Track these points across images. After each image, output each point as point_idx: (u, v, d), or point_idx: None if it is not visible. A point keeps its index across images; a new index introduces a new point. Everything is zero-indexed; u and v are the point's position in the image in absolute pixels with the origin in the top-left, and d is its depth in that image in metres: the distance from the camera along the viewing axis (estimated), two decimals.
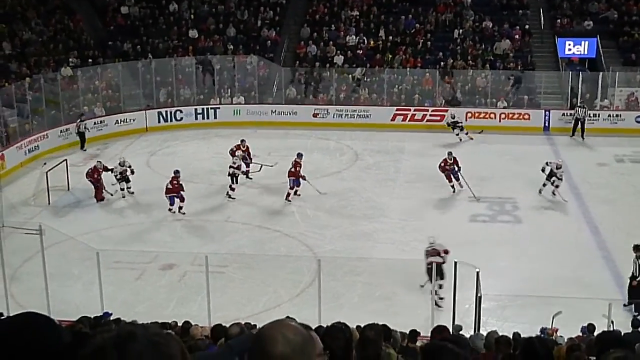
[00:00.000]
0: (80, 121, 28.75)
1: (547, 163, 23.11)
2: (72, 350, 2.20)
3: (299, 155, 23.32)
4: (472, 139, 29.21)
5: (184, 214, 21.70)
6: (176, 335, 2.28)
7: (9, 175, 25.43)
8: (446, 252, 16.06)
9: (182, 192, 21.74)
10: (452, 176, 23.27)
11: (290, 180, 22.90)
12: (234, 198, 22.84)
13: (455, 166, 23.26)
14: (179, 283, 17.67)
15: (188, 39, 35.29)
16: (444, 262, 15.77)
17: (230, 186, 23.08)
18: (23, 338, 2.28)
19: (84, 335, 3.58)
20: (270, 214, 21.92)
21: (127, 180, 23.56)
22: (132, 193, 23.69)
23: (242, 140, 24.96)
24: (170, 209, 21.75)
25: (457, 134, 29.24)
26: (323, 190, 23.21)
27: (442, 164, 23.26)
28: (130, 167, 23.76)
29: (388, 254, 18.08)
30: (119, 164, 23.70)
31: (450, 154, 23.51)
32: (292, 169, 22.98)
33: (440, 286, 15.66)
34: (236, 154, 24.12)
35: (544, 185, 22.91)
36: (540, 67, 33.24)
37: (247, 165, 24.67)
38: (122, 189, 23.61)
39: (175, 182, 21.69)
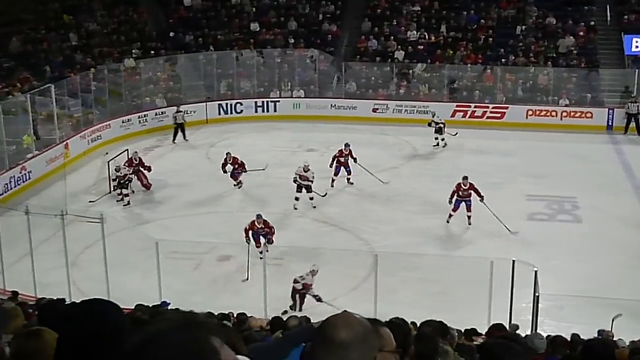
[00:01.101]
0: (177, 112, 29.09)
1: None
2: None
3: (345, 145, 23.61)
4: (445, 143, 27.82)
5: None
6: (227, 326, 2.29)
7: (73, 163, 25.89)
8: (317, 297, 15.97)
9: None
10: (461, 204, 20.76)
11: (335, 167, 23.40)
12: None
13: (470, 191, 20.67)
14: (235, 274, 17.81)
15: (249, 31, 35.48)
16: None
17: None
18: (93, 322, 2.32)
19: (143, 322, 3.63)
20: (327, 208, 21.94)
21: (126, 187, 22.48)
22: (128, 204, 22.37)
23: (228, 153, 24.05)
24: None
25: (436, 139, 27.62)
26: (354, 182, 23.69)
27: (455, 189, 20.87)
28: (129, 172, 22.62)
29: (444, 250, 17.96)
30: (115, 169, 22.58)
31: (465, 178, 20.81)
32: (339, 157, 23.44)
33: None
34: (225, 169, 23.62)
35: None
36: (605, 64, 32.61)
37: (239, 175, 23.86)
38: (121, 195, 22.53)
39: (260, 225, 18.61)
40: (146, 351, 1.84)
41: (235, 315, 11.82)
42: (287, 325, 6.33)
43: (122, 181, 22.41)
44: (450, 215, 20.67)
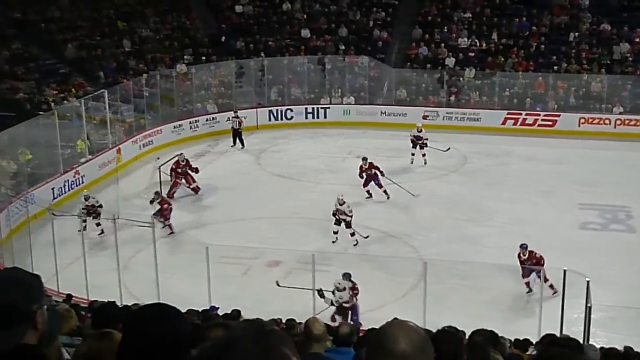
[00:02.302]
0: (236, 118, 29.21)
1: None
2: (193, 341, 2.28)
3: (363, 159, 23.17)
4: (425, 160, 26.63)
5: None
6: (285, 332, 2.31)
7: (125, 168, 26.21)
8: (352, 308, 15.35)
9: None
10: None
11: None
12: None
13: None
14: (284, 280, 17.84)
15: (300, 38, 35.62)
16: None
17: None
18: (159, 326, 2.36)
19: (197, 326, 3.68)
20: (375, 214, 21.89)
21: (96, 216, 20.36)
22: (102, 233, 20.10)
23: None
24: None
25: (413, 155, 26.52)
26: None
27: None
28: (96, 203, 20.73)
29: (494, 258, 17.80)
30: (84, 198, 20.89)
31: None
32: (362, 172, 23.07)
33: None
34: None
35: None
36: None
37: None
38: (85, 222, 19.77)
39: None
40: (221, 358, 1.88)
41: (284, 321, 11.83)
42: (338, 333, 6.32)
43: (90, 210, 20.43)
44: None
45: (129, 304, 11.78)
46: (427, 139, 26.57)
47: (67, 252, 17.55)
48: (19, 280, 2.56)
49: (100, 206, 20.64)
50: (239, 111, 29.77)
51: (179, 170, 23.68)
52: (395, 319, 2.43)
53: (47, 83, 29.19)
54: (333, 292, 15.24)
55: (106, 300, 10.18)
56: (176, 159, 24.15)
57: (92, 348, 3.29)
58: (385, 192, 22.95)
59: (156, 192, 21.25)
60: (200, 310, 12.01)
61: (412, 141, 26.65)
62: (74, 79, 30.33)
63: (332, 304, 15.29)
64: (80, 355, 3.31)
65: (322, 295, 15.19)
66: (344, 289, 15.29)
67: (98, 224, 20.24)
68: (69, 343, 4.50)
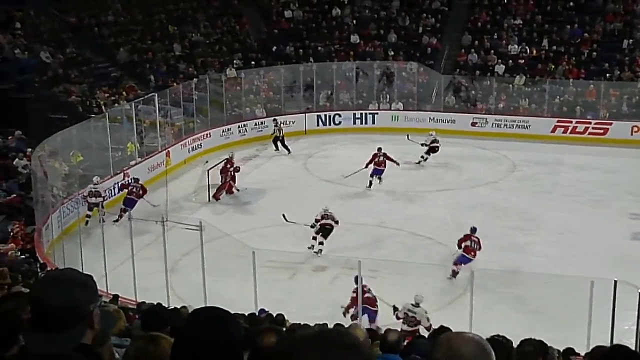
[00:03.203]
0: (275, 126, 29.34)
1: None
2: (245, 345, 2.30)
3: (378, 149, 24.79)
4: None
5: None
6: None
7: (174, 171, 26.44)
8: (429, 329, 14.28)
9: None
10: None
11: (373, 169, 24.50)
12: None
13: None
14: (330, 285, 17.86)
15: (349, 43, 35.67)
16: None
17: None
18: (214, 331, 2.39)
19: (247, 330, 3.70)
20: (422, 221, 21.81)
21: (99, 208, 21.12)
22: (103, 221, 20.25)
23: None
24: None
25: (423, 157, 27.06)
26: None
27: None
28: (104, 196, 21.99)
29: (542, 267, 17.61)
30: (94, 182, 21.96)
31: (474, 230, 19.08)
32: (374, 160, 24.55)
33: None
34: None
35: None
36: None
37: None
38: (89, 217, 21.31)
39: None
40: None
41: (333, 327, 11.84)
42: (385, 339, 6.31)
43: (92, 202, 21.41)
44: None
45: (177, 307, 11.87)
46: (438, 144, 27.13)
47: (115, 254, 17.76)
48: (76, 280, 2.61)
49: (104, 199, 21.89)
50: (277, 118, 29.91)
51: (230, 171, 24.03)
52: (461, 333, 2.43)
53: (100, 86, 29.63)
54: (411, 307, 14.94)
55: (154, 302, 10.28)
56: (227, 158, 24.52)
57: (140, 350, 3.32)
58: (376, 180, 24.48)
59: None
60: (247, 314, 12.06)
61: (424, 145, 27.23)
62: (125, 82, 30.74)
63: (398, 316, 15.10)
64: (129, 357, 3.35)
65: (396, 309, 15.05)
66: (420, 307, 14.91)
67: (103, 213, 20.63)
68: (118, 343, 4.55)
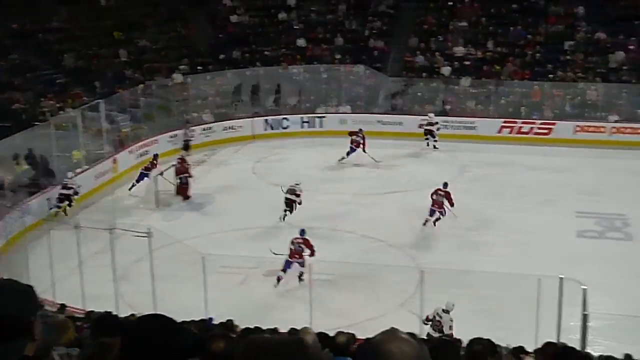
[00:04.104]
0: (188, 128, 29.25)
1: None
2: (193, 352, 2.27)
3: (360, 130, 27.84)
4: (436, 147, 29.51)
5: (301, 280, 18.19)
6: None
7: (121, 178, 26.18)
8: (450, 337, 14.11)
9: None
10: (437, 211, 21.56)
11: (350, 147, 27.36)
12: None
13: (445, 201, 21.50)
14: (282, 289, 17.84)
15: (296, 47, 35.66)
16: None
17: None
18: (157, 338, 2.36)
19: (197, 337, 3.68)
20: (375, 224, 21.89)
21: (70, 201, 22.77)
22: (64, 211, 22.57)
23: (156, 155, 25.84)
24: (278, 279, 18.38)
25: (428, 141, 29.61)
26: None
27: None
28: (76, 189, 23.00)
29: (494, 267, 17.80)
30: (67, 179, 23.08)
31: (445, 185, 21.77)
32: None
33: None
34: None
35: None
36: None
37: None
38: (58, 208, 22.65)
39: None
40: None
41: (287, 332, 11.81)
42: (335, 341, 6.32)
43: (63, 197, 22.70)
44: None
45: (127, 315, 11.74)
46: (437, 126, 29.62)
47: (64, 262, 17.52)
48: (16, 291, 2.55)
49: (77, 193, 22.96)
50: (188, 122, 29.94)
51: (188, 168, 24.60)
52: (389, 329, 2.38)
53: (45, 94, 29.18)
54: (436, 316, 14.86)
55: (103, 311, 10.17)
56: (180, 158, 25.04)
57: (89, 359, 3.28)
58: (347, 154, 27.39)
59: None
60: (197, 320, 11.97)
61: (426, 132, 29.60)
62: (71, 89, 30.34)
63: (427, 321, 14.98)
64: None
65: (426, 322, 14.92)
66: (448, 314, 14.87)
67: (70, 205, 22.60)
68: (66, 354, 4.48)
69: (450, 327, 14.53)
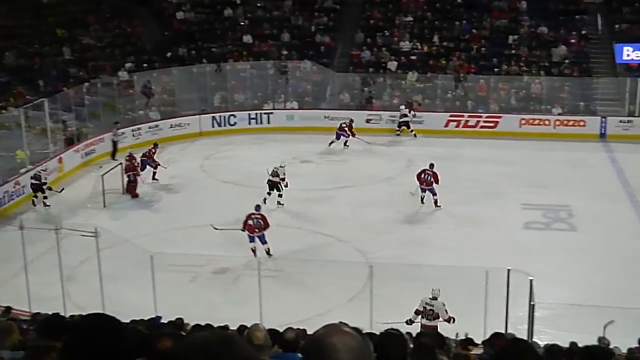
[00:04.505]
0: (117, 130, 28.78)
1: None
2: (139, 352, 2.25)
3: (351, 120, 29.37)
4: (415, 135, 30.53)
5: (269, 254, 19.34)
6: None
7: (67, 177, 25.84)
8: (448, 320, 14.58)
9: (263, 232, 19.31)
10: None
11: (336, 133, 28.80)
12: None
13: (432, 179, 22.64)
14: (232, 287, 17.79)
15: (243, 44, 35.54)
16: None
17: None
18: (99, 338, 2.33)
19: (144, 337, 3.65)
20: (324, 219, 21.93)
21: (42, 191, 23.33)
22: (48, 205, 23.27)
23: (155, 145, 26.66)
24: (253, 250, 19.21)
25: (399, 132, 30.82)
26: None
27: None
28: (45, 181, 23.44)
29: (443, 260, 17.95)
30: (38, 172, 23.55)
31: (432, 165, 23.01)
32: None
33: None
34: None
35: None
36: (597, 73, 32.76)
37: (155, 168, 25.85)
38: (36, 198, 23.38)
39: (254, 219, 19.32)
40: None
41: (232, 329, 11.78)
42: (284, 338, 6.32)
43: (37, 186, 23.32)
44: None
45: (75, 315, 11.61)
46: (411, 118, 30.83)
47: (9, 264, 17.26)
48: None
49: (45, 183, 23.31)
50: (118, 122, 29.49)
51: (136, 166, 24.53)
52: (332, 323, 2.40)
53: None
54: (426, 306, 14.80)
55: (50, 313, 10.02)
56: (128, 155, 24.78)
57: None
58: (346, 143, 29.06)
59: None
60: (146, 319, 11.88)
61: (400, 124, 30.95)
62: (13, 87, 29.83)
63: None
64: None
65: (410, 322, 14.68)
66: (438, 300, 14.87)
67: (45, 197, 23.10)
68: (11, 357, 4.42)
69: (447, 312, 14.57)
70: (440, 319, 14.60)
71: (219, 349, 1.96)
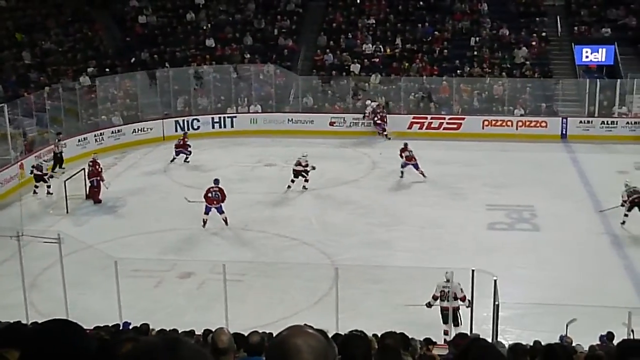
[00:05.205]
0: (58, 141, 27.81)
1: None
2: (100, 357, 2.23)
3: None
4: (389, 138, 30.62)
5: (226, 223, 21.55)
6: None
7: (29, 184, 25.54)
8: (464, 299, 15.00)
9: (221, 204, 21.43)
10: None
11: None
12: None
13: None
14: (197, 291, 17.72)
15: (205, 47, 35.43)
16: (459, 308, 15.25)
17: None
18: (57, 345, 2.31)
19: (106, 342, 3.62)
20: (288, 222, 21.93)
21: (45, 181, 24.78)
22: (51, 194, 24.66)
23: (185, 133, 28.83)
24: (204, 221, 21.46)
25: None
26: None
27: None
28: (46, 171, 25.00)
29: (406, 262, 18.03)
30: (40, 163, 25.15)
31: (406, 144, 25.73)
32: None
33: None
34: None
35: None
36: (558, 74, 33.14)
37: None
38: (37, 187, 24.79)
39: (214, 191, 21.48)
40: None
41: (197, 333, 11.74)
42: (249, 341, 6.31)
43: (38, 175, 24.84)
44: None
45: (40, 323, 11.47)
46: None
47: None
48: None
49: (46, 174, 24.87)
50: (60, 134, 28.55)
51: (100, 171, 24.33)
52: (296, 325, 2.42)
53: None
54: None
55: (12, 321, 9.90)
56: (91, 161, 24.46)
57: None
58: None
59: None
60: (110, 325, 11.80)
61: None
62: None
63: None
64: None
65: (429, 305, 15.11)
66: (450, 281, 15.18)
67: (49, 186, 24.57)
68: None
69: (462, 290, 14.87)
70: (458, 297, 14.94)
71: (165, 354, 1.96)
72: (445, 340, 13.89)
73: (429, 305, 14.92)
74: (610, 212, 21.63)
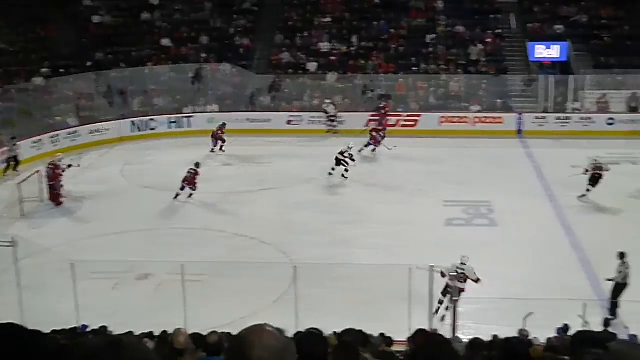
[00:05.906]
0: (14, 145, 27.24)
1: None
2: None
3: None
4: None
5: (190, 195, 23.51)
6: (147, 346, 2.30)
7: None
8: (477, 281, 15.84)
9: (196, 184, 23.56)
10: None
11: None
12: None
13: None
14: (155, 292, 17.60)
15: (161, 47, 35.18)
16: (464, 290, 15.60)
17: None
18: (8, 349, 2.28)
19: (62, 347, 3.59)
20: (246, 222, 21.88)
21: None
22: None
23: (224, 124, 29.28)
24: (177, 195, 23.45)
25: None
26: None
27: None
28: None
29: (367, 259, 18.09)
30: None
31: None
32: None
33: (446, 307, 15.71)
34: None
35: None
36: (512, 70, 33.48)
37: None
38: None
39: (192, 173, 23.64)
40: None
41: (155, 334, 11.66)
42: (207, 341, 6.29)
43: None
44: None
45: None
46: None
47: None
48: None
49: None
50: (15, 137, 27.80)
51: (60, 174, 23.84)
52: (256, 324, 2.44)
53: None
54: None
55: None
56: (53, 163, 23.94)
57: None
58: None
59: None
60: (68, 329, 11.68)
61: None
62: None
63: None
64: None
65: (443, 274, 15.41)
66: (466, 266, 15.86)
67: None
68: None
69: (475, 273, 15.74)
70: (472, 279, 15.69)
71: (107, 355, 1.95)
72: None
73: (442, 274, 15.29)
74: (565, 202, 22.02)
